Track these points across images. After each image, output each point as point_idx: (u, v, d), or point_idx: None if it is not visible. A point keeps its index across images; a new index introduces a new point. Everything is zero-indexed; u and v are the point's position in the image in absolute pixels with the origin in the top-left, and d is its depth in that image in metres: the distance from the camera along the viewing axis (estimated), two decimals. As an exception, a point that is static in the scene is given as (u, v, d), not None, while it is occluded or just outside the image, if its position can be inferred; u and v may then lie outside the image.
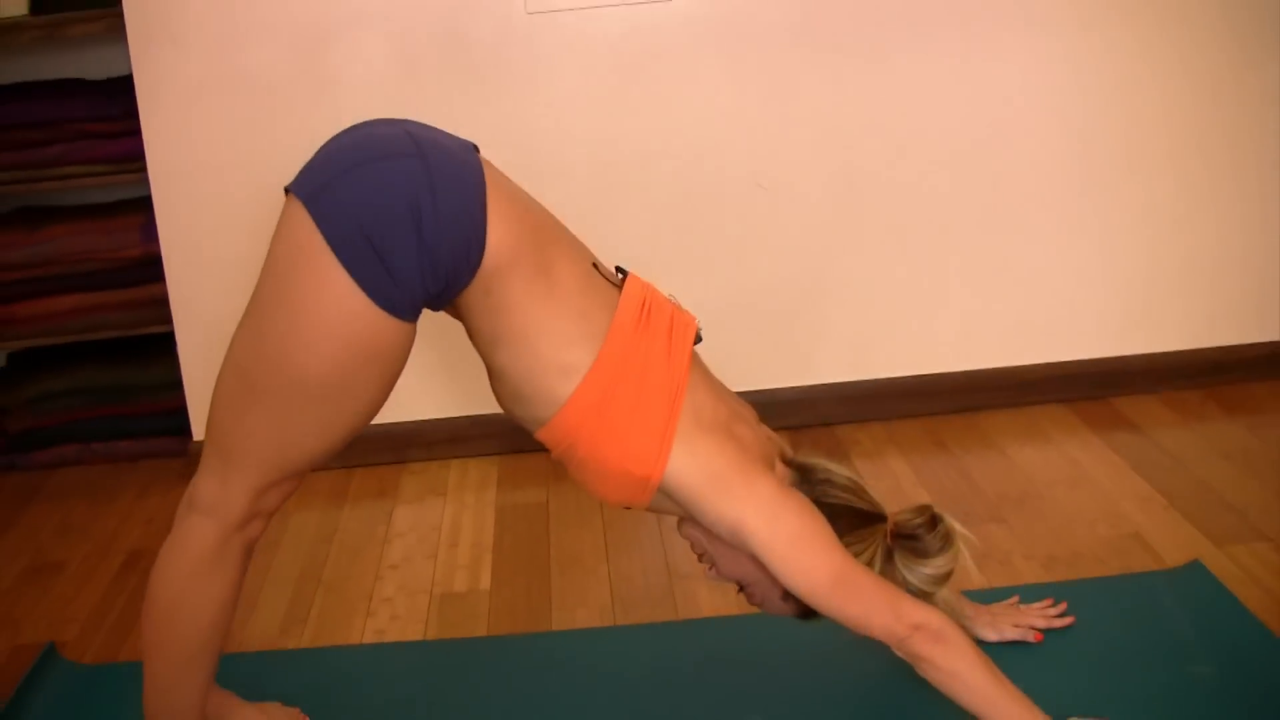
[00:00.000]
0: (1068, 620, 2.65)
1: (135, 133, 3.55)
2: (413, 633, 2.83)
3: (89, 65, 3.84)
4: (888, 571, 2.26)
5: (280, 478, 2.13)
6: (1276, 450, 3.40)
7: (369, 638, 2.82)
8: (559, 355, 2.14)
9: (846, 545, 2.22)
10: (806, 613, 2.31)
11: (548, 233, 2.18)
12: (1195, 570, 2.81)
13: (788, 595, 2.27)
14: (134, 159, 3.61)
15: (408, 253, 2.02)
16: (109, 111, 3.64)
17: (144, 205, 3.69)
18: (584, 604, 2.89)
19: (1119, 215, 3.74)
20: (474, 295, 2.13)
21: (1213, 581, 2.75)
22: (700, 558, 2.35)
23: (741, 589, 2.34)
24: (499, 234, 2.09)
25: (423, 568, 3.10)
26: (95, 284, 3.70)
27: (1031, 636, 2.59)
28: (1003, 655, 2.44)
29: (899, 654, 2.23)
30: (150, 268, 3.66)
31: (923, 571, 2.27)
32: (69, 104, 3.65)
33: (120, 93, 3.63)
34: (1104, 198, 3.72)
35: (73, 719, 2.61)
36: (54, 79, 3.80)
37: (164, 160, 3.47)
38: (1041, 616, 2.65)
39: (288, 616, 2.92)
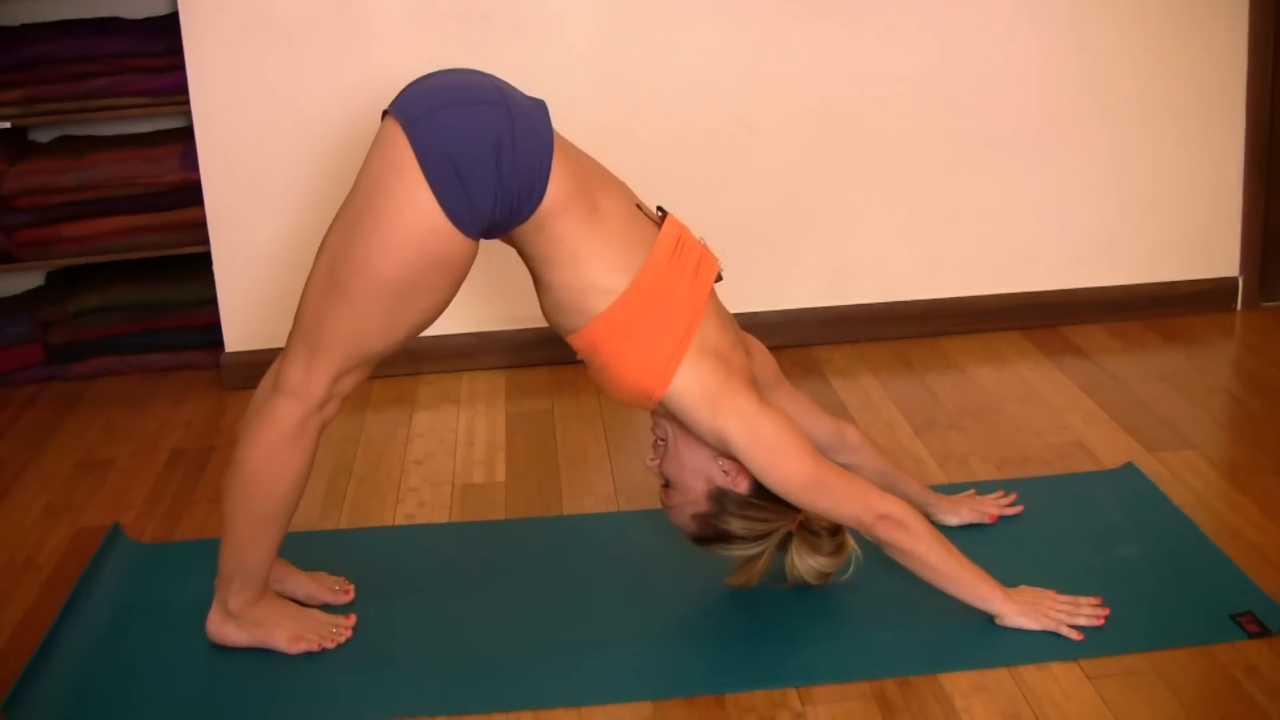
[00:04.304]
0: (1017, 509, 3.00)
1: (176, 68, 3.83)
2: (439, 517, 3.16)
3: (126, 5, 4.09)
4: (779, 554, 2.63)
5: (356, 365, 2.47)
6: (1208, 374, 3.74)
7: (400, 521, 3.15)
8: (600, 279, 2.47)
9: (760, 516, 2.58)
10: (700, 539, 2.66)
11: (596, 180, 2.52)
12: (1129, 471, 3.16)
13: (695, 517, 2.62)
14: (174, 92, 3.89)
15: (486, 183, 2.36)
16: (151, 48, 3.91)
17: (181, 135, 3.99)
18: (590, 494, 3.22)
19: (1072, 160, 4.04)
20: (528, 230, 2.46)
21: (1144, 480, 3.11)
22: (654, 444, 2.67)
23: (665, 487, 2.66)
24: (557, 184, 2.43)
25: (443, 463, 3.42)
26: (135, 207, 3.97)
27: (986, 519, 2.94)
28: (962, 537, 2.79)
29: (867, 538, 2.57)
30: (187, 193, 3.94)
31: (809, 563, 2.63)
32: (113, 40, 3.91)
33: (160, 31, 3.91)
34: (1058, 144, 4.02)
35: (138, 590, 2.89)
36: (94, 17, 4.04)
37: (206, 94, 3.76)
38: (995, 505, 2.99)
39: (325, 503, 3.24)
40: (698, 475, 2.59)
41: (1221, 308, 4.17)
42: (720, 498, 2.58)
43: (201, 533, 3.12)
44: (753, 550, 2.62)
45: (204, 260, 3.96)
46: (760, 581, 2.69)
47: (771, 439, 2.49)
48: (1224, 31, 3.99)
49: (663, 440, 2.65)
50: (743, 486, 2.57)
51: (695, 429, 2.53)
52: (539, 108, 2.50)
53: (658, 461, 2.66)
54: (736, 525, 2.58)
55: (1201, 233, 4.15)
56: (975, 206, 4.05)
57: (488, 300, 3.91)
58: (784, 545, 2.63)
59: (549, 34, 3.81)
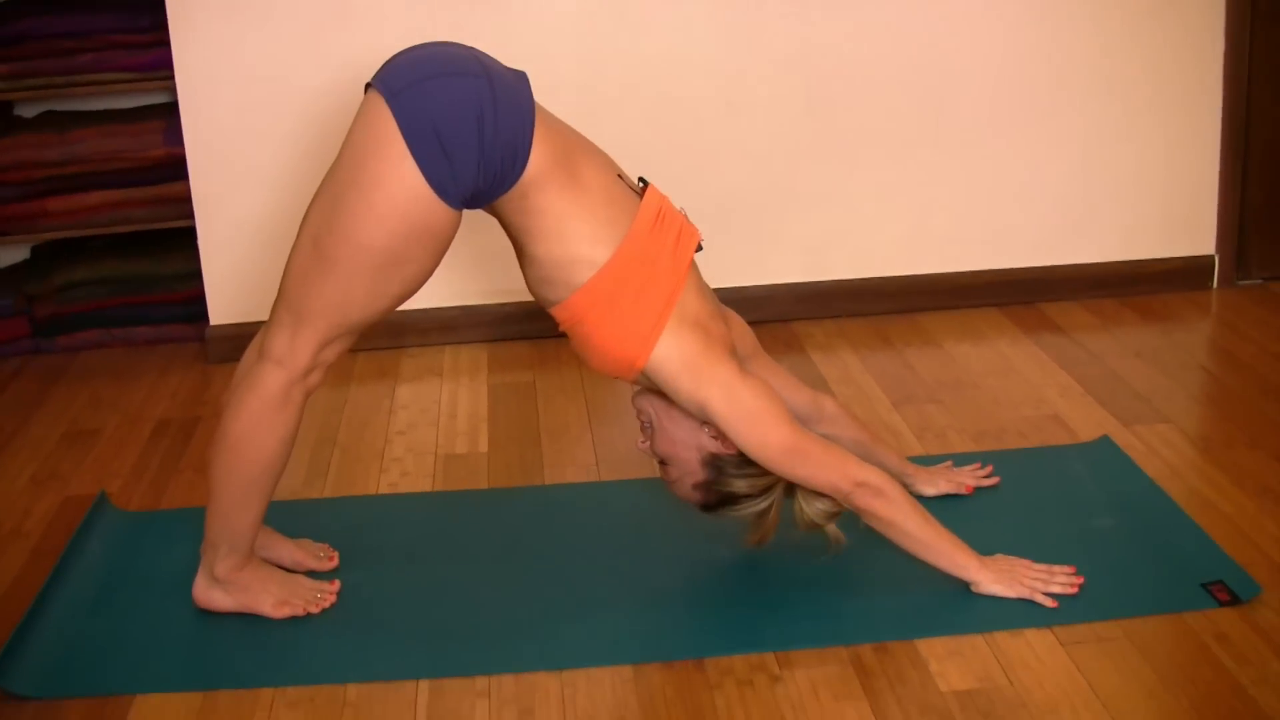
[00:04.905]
0: (994, 480, 3.03)
1: (161, 44, 3.85)
2: (422, 486, 3.19)
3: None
4: (788, 502, 2.64)
5: (339, 334, 2.50)
6: (1182, 350, 3.78)
7: (383, 490, 3.18)
8: (583, 250, 2.50)
9: (759, 471, 2.59)
10: (707, 506, 2.68)
11: (578, 150, 2.55)
12: (1104, 444, 3.20)
13: (697, 487, 2.65)
14: (158, 68, 3.90)
15: (469, 153, 2.39)
16: (136, 24, 3.92)
17: (165, 111, 4.01)
18: (572, 464, 3.26)
19: (1050, 139, 4.07)
20: (512, 199, 2.49)
21: (1118, 453, 3.15)
22: (642, 428, 2.71)
23: (662, 465, 2.70)
24: (539, 153, 2.46)
25: (426, 433, 3.45)
26: (120, 182, 3.99)
27: (964, 489, 2.98)
28: (939, 507, 2.82)
29: (846, 506, 2.60)
30: (171, 168, 3.96)
31: (818, 506, 2.63)
32: (98, 17, 3.93)
33: (145, 7, 3.91)
34: (1037, 122, 4.05)
35: (124, 558, 2.92)
36: (77, -8, 4.07)
37: (190, 69, 3.78)
38: (972, 476, 3.03)
39: (309, 473, 3.27)
40: (688, 447, 2.63)
41: (1197, 286, 4.21)
42: (715, 463, 2.61)
43: (187, 502, 3.14)
44: (761, 505, 2.64)
45: (188, 235, 3.98)
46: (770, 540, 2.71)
47: (751, 406, 2.52)
48: (1201, 10, 4.02)
49: (647, 422, 2.68)
50: (733, 448, 2.60)
51: (676, 398, 2.57)
52: (520, 79, 2.53)
53: (648, 443, 2.70)
54: (739, 485, 2.61)
55: (1178, 211, 4.19)
56: (954, 184, 4.08)
57: (470, 274, 3.93)
58: (790, 493, 2.64)
59: (531, 10, 3.83)
